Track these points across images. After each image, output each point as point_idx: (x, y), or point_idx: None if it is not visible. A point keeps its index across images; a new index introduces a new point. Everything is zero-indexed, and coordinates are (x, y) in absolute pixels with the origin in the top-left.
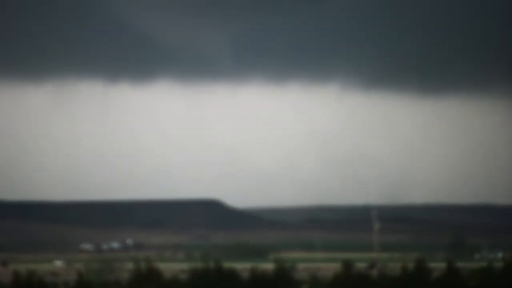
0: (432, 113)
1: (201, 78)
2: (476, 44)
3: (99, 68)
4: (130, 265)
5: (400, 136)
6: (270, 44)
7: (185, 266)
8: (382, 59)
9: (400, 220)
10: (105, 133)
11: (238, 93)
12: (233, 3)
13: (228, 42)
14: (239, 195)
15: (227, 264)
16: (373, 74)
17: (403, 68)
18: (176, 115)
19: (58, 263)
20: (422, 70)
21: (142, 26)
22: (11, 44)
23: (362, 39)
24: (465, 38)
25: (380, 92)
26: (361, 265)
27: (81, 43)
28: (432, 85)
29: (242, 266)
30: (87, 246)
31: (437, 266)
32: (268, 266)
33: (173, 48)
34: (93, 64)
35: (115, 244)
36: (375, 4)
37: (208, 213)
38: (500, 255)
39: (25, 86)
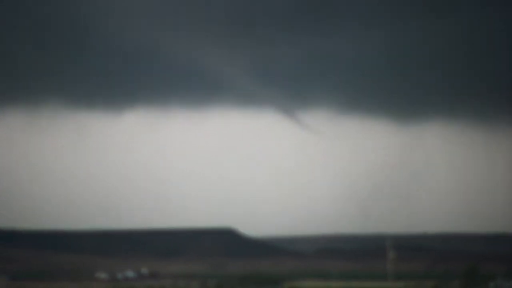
0: (413, 139)
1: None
2: (457, 70)
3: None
4: None
5: (400, 164)
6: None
7: None
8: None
9: (415, 249)
10: (115, 163)
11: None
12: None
13: (206, 64)
14: (254, 223)
15: None
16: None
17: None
18: (178, 143)
19: None
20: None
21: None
22: None
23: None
24: (445, 64)
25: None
26: None
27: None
28: (409, 111)
29: None
30: (102, 275)
31: None
32: None
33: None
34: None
35: (130, 273)
36: (356, 31)
37: (223, 241)
38: None
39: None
